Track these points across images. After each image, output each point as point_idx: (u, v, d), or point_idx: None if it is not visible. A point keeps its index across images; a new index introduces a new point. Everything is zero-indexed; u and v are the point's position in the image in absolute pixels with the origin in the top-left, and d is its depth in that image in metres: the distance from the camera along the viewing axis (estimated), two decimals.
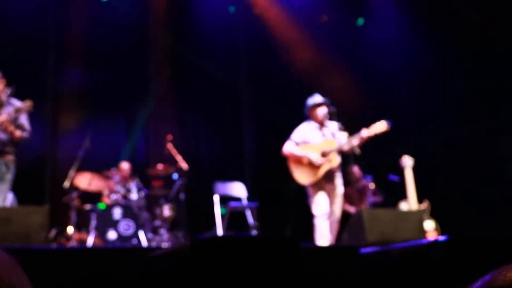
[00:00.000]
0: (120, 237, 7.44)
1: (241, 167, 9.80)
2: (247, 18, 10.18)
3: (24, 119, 5.66)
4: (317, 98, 6.66)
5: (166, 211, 8.17)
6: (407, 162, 7.52)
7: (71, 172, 7.72)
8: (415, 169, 7.51)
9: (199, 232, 7.67)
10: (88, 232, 7.46)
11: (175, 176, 8.58)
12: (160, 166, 8.44)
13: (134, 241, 7.50)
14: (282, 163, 6.78)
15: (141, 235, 7.57)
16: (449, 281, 3.01)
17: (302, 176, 6.44)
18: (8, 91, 5.62)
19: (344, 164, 6.62)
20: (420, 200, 7.49)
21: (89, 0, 9.42)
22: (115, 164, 8.44)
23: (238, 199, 8.52)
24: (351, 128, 6.53)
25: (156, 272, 3.76)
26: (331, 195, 6.39)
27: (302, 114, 6.78)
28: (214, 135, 10.05)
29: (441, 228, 7.36)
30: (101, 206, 7.92)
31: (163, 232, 7.92)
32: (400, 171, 7.64)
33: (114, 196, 7.92)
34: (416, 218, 6.04)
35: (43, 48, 9.06)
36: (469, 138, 9.20)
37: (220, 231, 7.91)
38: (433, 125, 9.75)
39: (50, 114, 9.06)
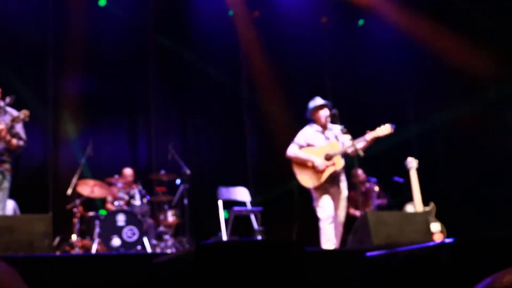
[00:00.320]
0: (124, 243, 7.41)
1: (244, 171, 9.77)
2: (246, 21, 10.16)
3: (19, 128, 5.64)
4: (318, 101, 6.63)
5: (170, 217, 8.15)
6: (412, 163, 7.48)
7: (74, 180, 7.70)
8: (420, 171, 7.48)
9: (203, 238, 7.63)
10: (92, 239, 7.44)
11: (178, 181, 8.55)
12: (163, 172, 8.41)
13: (138, 247, 7.47)
14: (285, 166, 6.75)
15: (145, 241, 7.54)
16: (456, 283, 2.97)
17: (306, 180, 6.41)
18: (8, 99, 5.59)
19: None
20: (425, 202, 7.46)
21: (88, 5, 9.38)
22: (118, 170, 8.42)
23: (242, 204, 8.49)
24: (354, 130, 6.50)
25: (161, 278, 3.73)
26: (335, 198, 6.36)
27: (305, 117, 6.75)
28: (216, 139, 10.02)
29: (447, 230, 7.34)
30: (102, 212, 7.91)
31: (167, 238, 7.90)
32: (405, 173, 7.62)
33: (117, 203, 7.90)
34: (422, 220, 5.99)
35: (43, 55, 9.04)
36: (470, 138, 9.17)
37: (224, 236, 7.88)
38: (437, 125, 9.72)
39: (51, 121, 9.04)
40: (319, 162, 6.31)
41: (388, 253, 3.90)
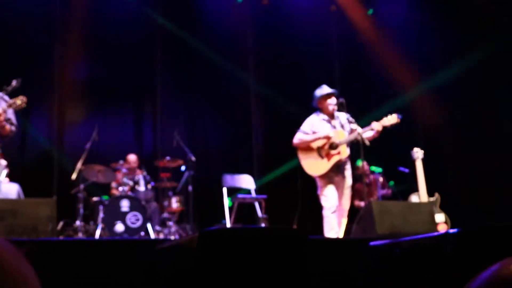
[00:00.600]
0: (128, 229, 7.42)
1: (250, 159, 9.75)
2: (255, 9, 10.12)
3: (11, 114, 5.64)
4: (325, 89, 6.59)
5: (174, 203, 8.16)
6: (418, 154, 7.45)
7: (79, 164, 7.70)
8: (425, 162, 7.46)
9: (207, 225, 7.63)
10: (95, 224, 7.45)
11: (183, 168, 8.54)
12: (168, 158, 8.40)
13: (142, 233, 7.47)
14: (291, 155, 6.73)
15: (149, 227, 7.55)
16: (460, 274, 2.95)
17: (311, 167, 6.40)
18: (14, 83, 5.59)
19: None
20: (430, 192, 7.43)
21: None
22: (123, 156, 8.41)
23: (247, 191, 8.48)
24: (361, 119, 6.48)
25: (164, 265, 3.73)
26: (340, 187, 6.35)
27: (311, 106, 6.72)
28: (222, 126, 10.01)
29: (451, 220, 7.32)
30: (105, 197, 7.91)
31: (171, 224, 7.90)
32: (410, 163, 7.59)
33: (121, 189, 7.90)
34: (427, 210, 5.96)
35: (49, 39, 9.02)
36: (476, 128, 9.15)
37: (228, 224, 7.88)
38: (443, 116, 9.68)
39: (56, 106, 9.03)
40: (331, 133, 6.30)
41: (392, 242, 3.89)
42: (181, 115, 9.85)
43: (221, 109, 10.01)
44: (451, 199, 7.89)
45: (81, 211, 7.47)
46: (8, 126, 5.56)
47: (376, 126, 6.29)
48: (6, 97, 5.67)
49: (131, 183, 8.02)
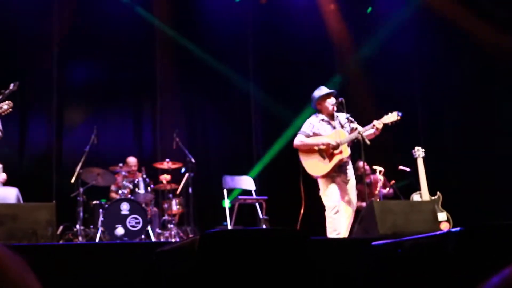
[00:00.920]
0: (128, 232, 7.38)
1: (250, 160, 9.73)
2: (253, 8, 10.10)
3: None
4: (324, 90, 6.56)
5: (174, 205, 8.13)
6: (419, 153, 7.43)
7: (78, 168, 7.67)
8: (426, 160, 7.44)
9: (207, 227, 7.60)
10: (95, 228, 7.42)
11: (183, 170, 8.52)
12: (167, 160, 8.37)
13: (142, 236, 7.44)
14: (291, 156, 6.70)
15: (149, 230, 7.52)
16: (463, 273, 2.93)
17: (313, 168, 6.36)
18: (12, 86, 5.55)
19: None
20: (432, 191, 7.41)
21: None
22: (123, 159, 8.39)
23: (248, 193, 8.46)
24: (362, 119, 6.45)
25: (165, 268, 3.71)
26: (342, 187, 6.31)
27: (311, 108, 6.69)
28: (222, 128, 9.99)
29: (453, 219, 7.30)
30: (103, 200, 7.88)
31: (171, 227, 7.87)
32: (412, 162, 7.57)
33: (121, 192, 7.87)
34: (429, 209, 5.93)
35: (48, 43, 9.00)
36: (478, 127, 9.13)
37: (229, 226, 7.85)
38: (444, 115, 9.67)
39: (55, 109, 9.01)
40: (331, 140, 6.27)
41: (394, 242, 3.86)
42: (181, 116, 9.82)
43: (220, 110, 9.99)
44: (452, 198, 7.87)
45: (81, 214, 7.44)
46: None
47: (377, 124, 6.26)
48: None
49: (130, 186, 7.99)
